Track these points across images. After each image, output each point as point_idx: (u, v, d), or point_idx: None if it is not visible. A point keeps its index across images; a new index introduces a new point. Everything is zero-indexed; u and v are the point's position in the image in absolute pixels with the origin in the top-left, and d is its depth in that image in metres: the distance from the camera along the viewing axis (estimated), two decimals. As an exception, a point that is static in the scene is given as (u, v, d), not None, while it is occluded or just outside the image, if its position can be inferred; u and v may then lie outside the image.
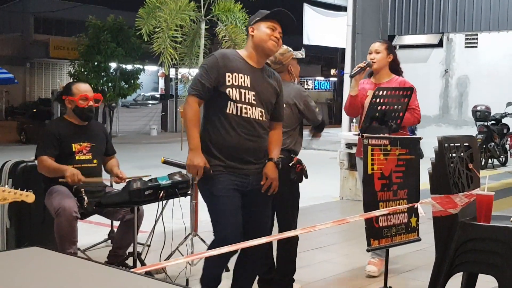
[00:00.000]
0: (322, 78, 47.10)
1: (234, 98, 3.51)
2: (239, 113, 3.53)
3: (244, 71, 3.57)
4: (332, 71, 45.48)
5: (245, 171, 3.59)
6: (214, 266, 3.71)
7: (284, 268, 4.30)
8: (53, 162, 4.42)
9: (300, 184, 4.28)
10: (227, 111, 3.52)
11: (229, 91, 3.51)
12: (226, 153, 3.55)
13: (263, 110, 3.61)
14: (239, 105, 3.52)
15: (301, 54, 4.38)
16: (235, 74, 3.53)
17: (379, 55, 4.92)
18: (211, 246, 3.59)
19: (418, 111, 4.86)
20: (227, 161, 3.55)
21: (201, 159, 3.49)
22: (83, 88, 4.64)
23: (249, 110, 3.55)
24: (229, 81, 3.51)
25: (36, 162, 4.66)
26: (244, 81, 3.55)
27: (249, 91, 3.55)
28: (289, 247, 4.28)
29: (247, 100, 3.54)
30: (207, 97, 3.55)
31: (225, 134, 3.54)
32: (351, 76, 4.83)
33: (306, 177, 4.24)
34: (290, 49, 4.33)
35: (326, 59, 43.93)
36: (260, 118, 3.59)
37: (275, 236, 3.82)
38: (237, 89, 3.52)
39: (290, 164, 4.15)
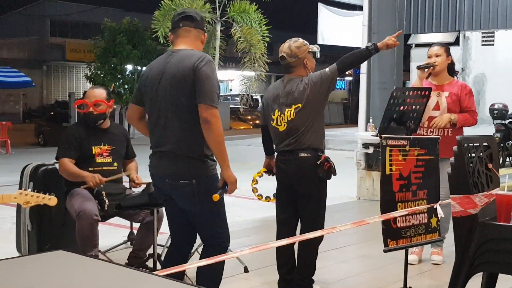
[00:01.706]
0: (337, 78, 46.98)
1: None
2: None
3: None
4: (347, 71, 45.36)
5: None
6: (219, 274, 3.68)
7: (304, 269, 4.30)
8: (73, 166, 4.47)
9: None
10: None
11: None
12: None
13: None
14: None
15: (316, 47, 4.34)
16: None
17: (439, 58, 5.12)
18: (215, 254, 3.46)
19: (476, 113, 5.13)
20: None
21: None
22: (87, 93, 4.71)
23: None
24: None
25: (56, 165, 4.73)
26: None
27: None
28: (312, 248, 4.28)
29: None
30: None
31: None
32: (419, 68, 5.01)
33: (335, 174, 4.22)
34: (306, 42, 4.30)
35: (341, 58, 43.82)
36: None
37: (299, 237, 3.81)
38: None
39: (318, 162, 4.15)
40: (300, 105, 4.16)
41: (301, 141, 4.17)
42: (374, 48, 4.21)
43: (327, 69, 4.22)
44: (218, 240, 3.61)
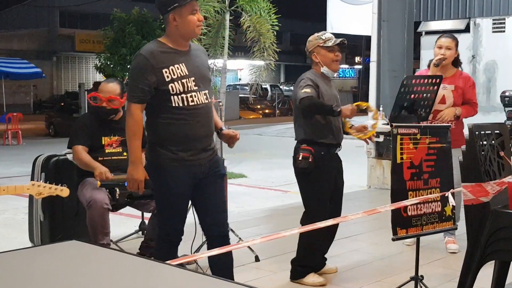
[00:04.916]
0: (347, 66, 46.82)
1: (177, 92, 3.41)
2: (185, 104, 3.43)
3: (177, 61, 3.44)
4: (357, 59, 45.18)
5: (197, 162, 3.51)
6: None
7: (297, 253, 4.40)
8: (86, 156, 4.51)
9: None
10: (173, 105, 3.42)
11: (171, 86, 3.40)
12: (177, 145, 3.45)
13: (206, 92, 3.53)
14: (184, 95, 3.42)
15: (332, 41, 4.24)
16: (171, 67, 3.41)
17: (449, 52, 5.12)
18: (159, 245, 3.65)
19: (477, 105, 5.22)
20: (180, 153, 3.45)
21: (142, 173, 3.50)
22: (101, 87, 4.68)
23: (195, 97, 3.45)
24: (167, 76, 3.40)
25: (68, 155, 4.74)
26: (181, 70, 3.43)
27: (189, 78, 3.45)
28: (302, 236, 4.32)
29: (190, 89, 3.44)
30: (148, 99, 3.44)
31: (174, 127, 3.44)
32: (436, 65, 5.03)
33: (313, 167, 4.26)
34: (321, 36, 4.27)
35: (350, 46, 43.46)
36: (206, 101, 3.52)
37: (302, 228, 3.81)
38: (179, 81, 3.41)
39: (296, 153, 4.31)
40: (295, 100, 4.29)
41: (296, 131, 4.35)
42: (338, 112, 4.12)
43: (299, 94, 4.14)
44: (160, 231, 3.69)
